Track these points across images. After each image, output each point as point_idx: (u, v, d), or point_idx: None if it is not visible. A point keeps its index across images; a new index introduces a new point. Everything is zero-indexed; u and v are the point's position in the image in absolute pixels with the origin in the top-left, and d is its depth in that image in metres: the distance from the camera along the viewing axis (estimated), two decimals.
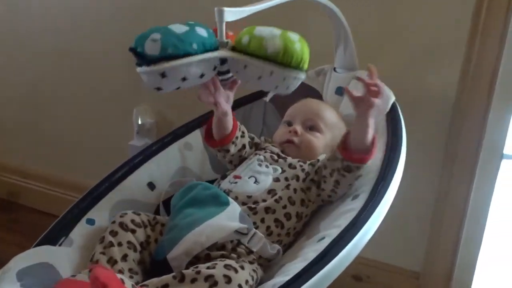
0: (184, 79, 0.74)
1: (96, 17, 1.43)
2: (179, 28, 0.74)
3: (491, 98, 1.05)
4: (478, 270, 1.19)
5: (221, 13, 0.74)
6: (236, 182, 0.86)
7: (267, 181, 0.85)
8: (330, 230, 0.71)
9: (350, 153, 0.78)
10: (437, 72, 1.10)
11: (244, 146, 0.94)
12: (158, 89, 0.75)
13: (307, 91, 1.06)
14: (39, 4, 1.51)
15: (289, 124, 0.96)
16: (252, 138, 0.98)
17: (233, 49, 0.78)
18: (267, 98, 1.10)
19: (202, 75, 0.76)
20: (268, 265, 0.77)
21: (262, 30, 0.77)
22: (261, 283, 0.71)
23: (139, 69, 0.74)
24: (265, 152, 0.93)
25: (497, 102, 1.05)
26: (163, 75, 0.73)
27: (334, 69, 1.06)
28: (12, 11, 1.56)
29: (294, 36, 0.77)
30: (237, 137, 0.92)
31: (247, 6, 0.78)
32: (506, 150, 1.10)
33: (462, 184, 1.13)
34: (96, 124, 1.54)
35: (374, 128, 0.77)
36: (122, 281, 0.62)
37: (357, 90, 0.79)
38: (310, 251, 0.68)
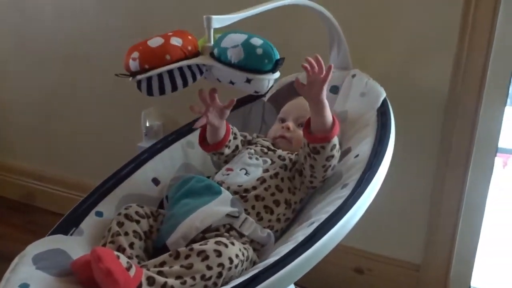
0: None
1: (103, 23, 1.51)
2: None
3: (483, 92, 1.08)
4: (477, 262, 1.21)
5: (209, 21, 0.81)
6: (228, 174, 0.92)
7: (257, 172, 0.91)
8: (319, 215, 0.75)
9: (313, 135, 0.84)
10: (429, 68, 1.13)
11: (237, 147, 1.00)
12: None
13: None
14: (48, 10, 1.59)
15: (283, 120, 1.02)
16: (245, 137, 1.04)
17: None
18: (266, 98, 1.15)
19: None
20: (262, 251, 0.82)
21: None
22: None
23: (273, 75, 0.83)
24: (256, 146, 0.99)
25: (489, 96, 1.08)
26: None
27: None
28: (22, 16, 1.64)
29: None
30: (229, 140, 0.98)
31: (233, 14, 0.85)
32: (501, 144, 1.13)
33: (457, 177, 1.15)
34: (106, 128, 1.61)
35: (329, 106, 0.84)
36: (118, 257, 0.67)
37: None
38: (300, 235, 0.72)
